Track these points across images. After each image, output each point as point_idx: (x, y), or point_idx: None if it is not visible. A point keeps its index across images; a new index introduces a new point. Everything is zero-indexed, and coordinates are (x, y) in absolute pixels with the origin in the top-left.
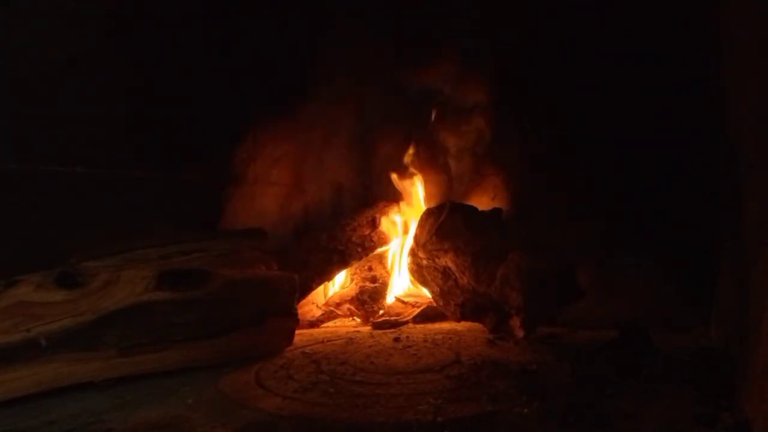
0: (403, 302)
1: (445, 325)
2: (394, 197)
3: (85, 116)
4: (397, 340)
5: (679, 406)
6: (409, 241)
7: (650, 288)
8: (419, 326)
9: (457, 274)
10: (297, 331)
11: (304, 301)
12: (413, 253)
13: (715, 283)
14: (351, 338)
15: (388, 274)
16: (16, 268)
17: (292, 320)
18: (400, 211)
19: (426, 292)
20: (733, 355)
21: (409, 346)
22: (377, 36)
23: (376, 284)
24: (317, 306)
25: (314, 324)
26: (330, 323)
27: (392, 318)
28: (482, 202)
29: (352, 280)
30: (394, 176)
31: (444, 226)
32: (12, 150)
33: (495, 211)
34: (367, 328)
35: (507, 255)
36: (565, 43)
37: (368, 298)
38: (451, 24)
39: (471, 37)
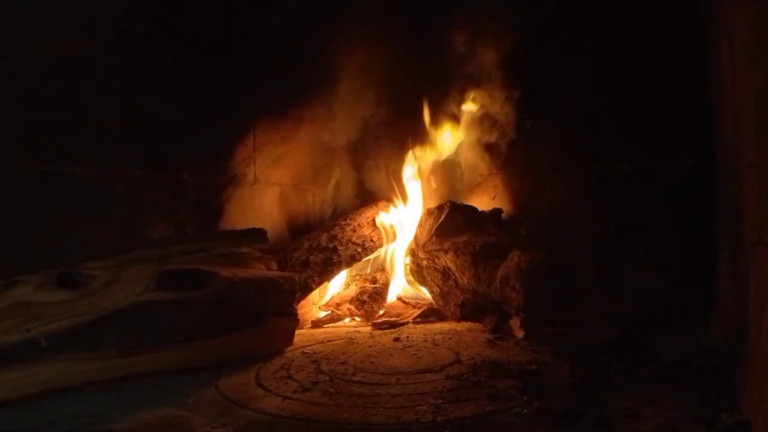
0: (404, 302)
1: (445, 325)
2: (395, 197)
3: (85, 116)
4: (397, 340)
5: (679, 406)
6: (410, 241)
7: (650, 288)
8: (419, 326)
9: (456, 275)
10: (297, 331)
11: (304, 301)
12: (413, 254)
13: (715, 283)
14: (351, 338)
15: (388, 274)
16: (16, 268)
17: (292, 320)
18: (400, 212)
19: (426, 293)
20: (733, 355)
21: (409, 346)
22: (379, 41)
23: (375, 285)
24: (317, 306)
25: (314, 324)
26: (330, 323)
27: (392, 318)
28: (482, 202)
29: (352, 280)
30: (394, 176)
31: (443, 226)
32: (12, 150)
33: (495, 211)
34: (367, 328)
35: (507, 255)
36: (566, 48)
37: (368, 299)
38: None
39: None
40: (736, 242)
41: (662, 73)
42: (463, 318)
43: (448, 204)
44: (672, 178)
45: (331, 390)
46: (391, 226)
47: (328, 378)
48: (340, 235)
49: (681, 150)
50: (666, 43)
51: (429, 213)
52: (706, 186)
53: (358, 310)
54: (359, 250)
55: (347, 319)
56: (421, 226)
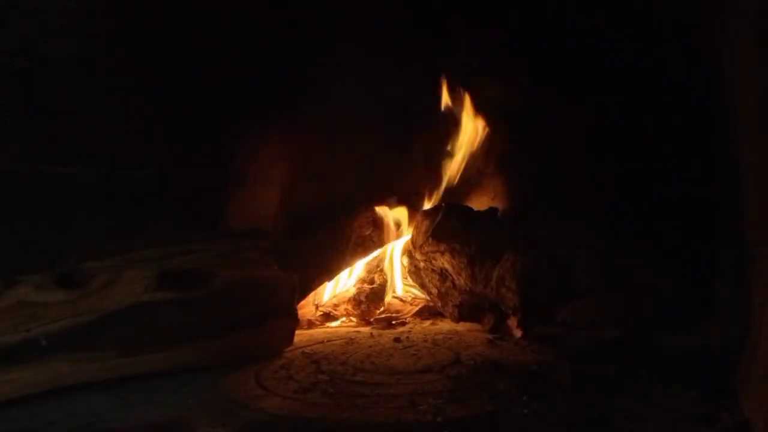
0: (401, 300)
1: (445, 326)
2: (395, 197)
3: (85, 116)
4: (397, 340)
5: (679, 406)
6: (406, 243)
7: (650, 288)
8: (419, 326)
9: (453, 276)
10: (297, 331)
11: (304, 301)
12: (410, 255)
13: (715, 283)
14: (351, 338)
15: (387, 274)
16: (17, 268)
17: (292, 320)
18: (400, 212)
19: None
20: (733, 355)
21: (409, 347)
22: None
23: (373, 285)
24: (317, 306)
25: (314, 324)
26: (330, 323)
27: (392, 315)
28: (482, 202)
29: (352, 281)
30: (393, 176)
31: (439, 227)
32: (12, 150)
33: (490, 211)
34: (367, 329)
35: (503, 255)
36: (567, 44)
37: (365, 299)
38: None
39: (470, 37)
40: (736, 242)
41: (665, 76)
42: (461, 318)
43: (443, 205)
44: (674, 180)
45: (331, 390)
46: (391, 227)
47: (328, 378)
48: (339, 235)
49: (684, 152)
50: (668, 43)
51: (425, 215)
52: (708, 187)
53: (355, 310)
54: (359, 250)
55: (343, 319)
56: (417, 227)
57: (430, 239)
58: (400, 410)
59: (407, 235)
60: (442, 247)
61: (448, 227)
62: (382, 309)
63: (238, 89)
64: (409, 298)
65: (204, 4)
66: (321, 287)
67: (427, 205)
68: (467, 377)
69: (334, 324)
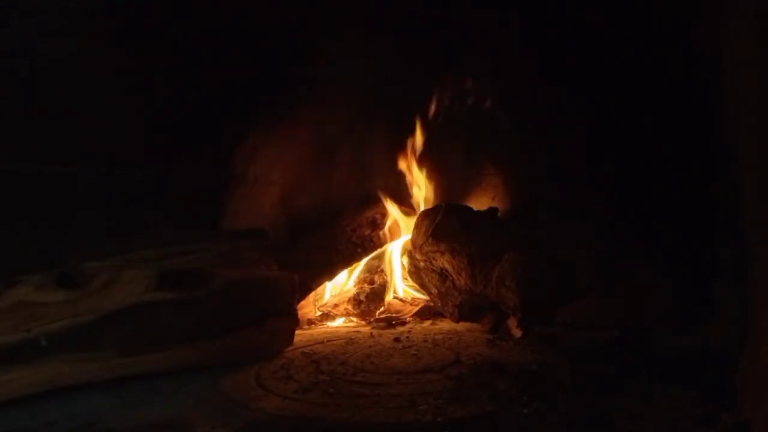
0: (402, 300)
1: (445, 325)
2: (394, 198)
3: (85, 116)
4: (397, 340)
5: (679, 406)
6: (406, 243)
7: (650, 288)
8: (419, 326)
9: (453, 276)
10: (297, 331)
11: (304, 301)
12: (410, 256)
13: (715, 283)
14: (351, 338)
15: (387, 274)
16: (16, 268)
17: (292, 320)
18: (399, 212)
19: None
20: (733, 355)
21: (409, 346)
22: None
23: (373, 285)
24: (316, 306)
25: (314, 324)
26: (330, 323)
27: (392, 315)
28: (482, 202)
29: (352, 281)
30: (392, 176)
31: (439, 227)
32: (12, 150)
33: (490, 211)
34: (367, 328)
35: (503, 255)
36: (567, 44)
37: (365, 299)
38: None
39: (470, 37)
40: (736, 242)
41: (665, 76)
42: (461, 318)
43: (443, 205)
44: (674, 180)
45: (332, 390)
46: (391, 227)
47: (328, 378)
48: (339, 235)
49: (684, 152)
50: (668, 43)
51: (425, 215)
52: (708, 187)
53: (355, 310)
54: (359, 250)
55: (343, 319)
56: (417, 228)
57: (430, 239)
58: (400, 410)
59: (407, 235)
60: (442, 247)
61: (448, 227)
62: (382, 309)
63: (237, 89)
64: (409, 298)
65: (204, 4)
66: (321, 287)
67: (427, 205)
68: (467, 377)
69: (334, 324)
